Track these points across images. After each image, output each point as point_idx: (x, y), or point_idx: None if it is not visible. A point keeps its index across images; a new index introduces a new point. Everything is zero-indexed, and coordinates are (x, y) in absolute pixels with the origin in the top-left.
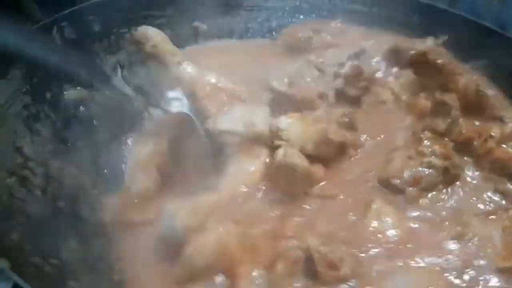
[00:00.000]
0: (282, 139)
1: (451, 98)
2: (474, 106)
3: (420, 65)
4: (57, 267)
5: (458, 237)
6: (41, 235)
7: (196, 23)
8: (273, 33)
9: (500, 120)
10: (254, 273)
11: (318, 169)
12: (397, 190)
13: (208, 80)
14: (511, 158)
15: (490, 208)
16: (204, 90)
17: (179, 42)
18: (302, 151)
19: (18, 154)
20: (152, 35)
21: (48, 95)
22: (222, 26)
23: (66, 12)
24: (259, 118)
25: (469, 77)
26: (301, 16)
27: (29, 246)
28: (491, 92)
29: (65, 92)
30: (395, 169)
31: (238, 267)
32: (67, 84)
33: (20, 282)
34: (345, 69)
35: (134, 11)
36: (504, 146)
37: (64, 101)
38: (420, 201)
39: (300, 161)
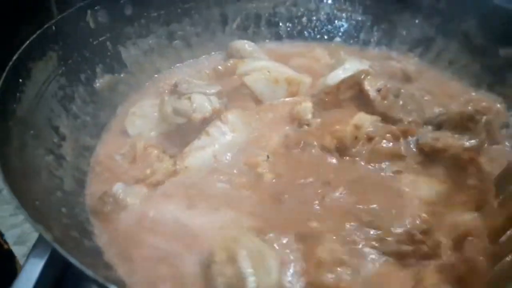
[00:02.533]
0: None
1: None
2: None
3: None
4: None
5: None
6: (78, 211)
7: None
8: (301, 19)
9: None
10: None
11: None
12: None
13: None
14: None
15: None
16: None
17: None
18: None
19: (55, 133)
20: None
21: (82, 77)
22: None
23: None
24: None
25: None
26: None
27: (67, 221)
28: None
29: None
30: None
31: None
32: (99, 67)
33: (63, 252)
34: None
35: None
36: None
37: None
38: None
39: None
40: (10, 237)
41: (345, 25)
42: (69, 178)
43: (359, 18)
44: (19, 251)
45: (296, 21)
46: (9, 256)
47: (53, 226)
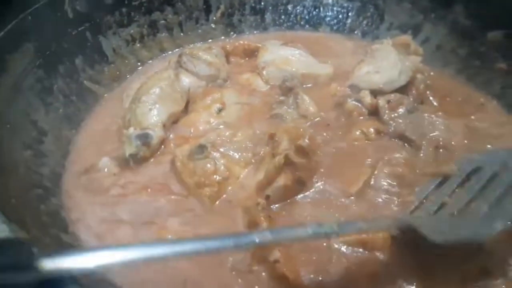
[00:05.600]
0: None
1: None
2: None
3: None
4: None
5: None
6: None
7: None
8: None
9: None
10: None
11: None
12: None
13: None
14: None
15: None
16: None
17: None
18: None
19: (33, 127)
20: None
21: (61, 69)
22: None
23: None
24: None
25: None
26: None
27: (47, 219)
28: None
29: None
30: None
31: None
32: (79, 59)
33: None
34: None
35: None
36: None
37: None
38: None
39: None
40: None
41: (331, 12)
42: (50, 174)
43: (345, 4)
44: None
45: (281, 8)
46: None
47: (30, 224)
